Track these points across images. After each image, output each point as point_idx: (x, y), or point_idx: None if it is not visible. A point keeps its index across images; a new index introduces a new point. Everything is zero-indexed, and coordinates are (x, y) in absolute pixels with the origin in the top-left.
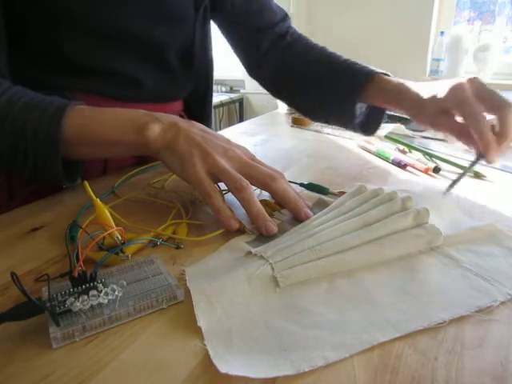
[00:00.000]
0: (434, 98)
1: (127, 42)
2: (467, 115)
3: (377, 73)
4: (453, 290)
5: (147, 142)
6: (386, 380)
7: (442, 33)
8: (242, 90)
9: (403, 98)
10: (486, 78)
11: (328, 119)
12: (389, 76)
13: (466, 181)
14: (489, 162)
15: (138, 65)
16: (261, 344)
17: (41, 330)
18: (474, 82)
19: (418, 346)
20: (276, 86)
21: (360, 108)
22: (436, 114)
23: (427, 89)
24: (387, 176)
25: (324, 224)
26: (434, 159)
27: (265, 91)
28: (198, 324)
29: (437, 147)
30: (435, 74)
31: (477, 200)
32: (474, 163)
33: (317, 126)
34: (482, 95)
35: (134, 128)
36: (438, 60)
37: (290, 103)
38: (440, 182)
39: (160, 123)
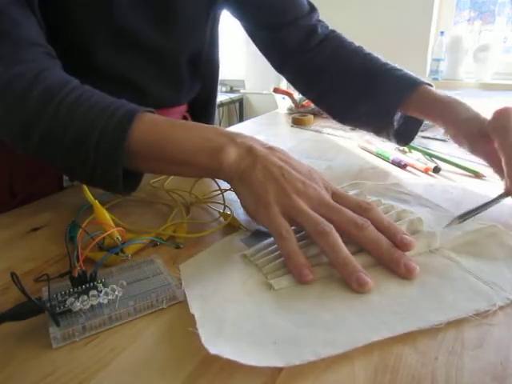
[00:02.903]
0: (474, 119)
1: (140, 49)
2: (502, 145)
3: (420, 83)
4: (451, 292)
5: (220, 168)
6: (386, 380)
7: (442, 33)
8: (242, 90)
9: (443, 114)
10: (486, 78)
11: (360, 125)
12: (431, 86)
13: (466, 181)
14: None
15: (148, 72)
16: (252, 335)
17: (41, 330)
18: None
19: (418, 346)
20: (304, 85)
21: (396, 116)
22: (474, 137)
23: (471, 108)
24: (387, 176)
25: None
26: (434, 159)
27: (265, 91)
28: (191, 311)
29: (437, 147)
30: (435, 74)
31: (477, 201)
32: (497, 199)
33: (317, 126)
34: None
35: (208, 149)
36: (438, 60)
37: (317, 103)
38: (440, 183)
39: (237, 147)
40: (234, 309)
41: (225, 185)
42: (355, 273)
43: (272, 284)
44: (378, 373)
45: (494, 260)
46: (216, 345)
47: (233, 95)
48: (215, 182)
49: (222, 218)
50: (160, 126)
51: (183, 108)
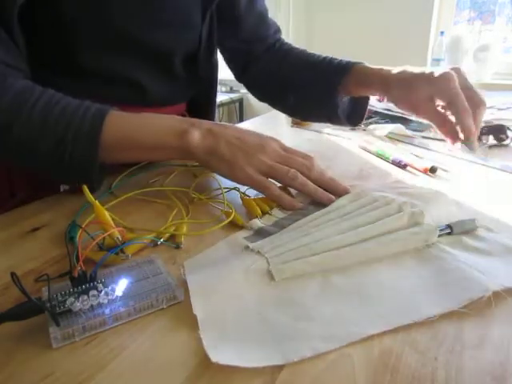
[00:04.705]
0: (420, 84)
1: (134, 48)
2: (454, 104)
3: (354, 64)
4: (446, 283)
5: (189, 147)
6: (386, 380)
7: (442, 33)
8: (242, 90)
9: (386, 83)
10: (486, 78)
11: (309, 116)
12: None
13: (466, 182)
14: (473, 149)
15: (144, 71)
16: (253, 335)
17: (41, 329)
18: (459, 73)
19: (418, 346)
20: (258, 91)
21: (342, 100)
22: (420, 101)
23: (412, 74)
24: (387, 176)
25: (321, 225)
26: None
27: None
28: (194, 312)
29: (437, 147)
30: None
31: (477, 201)
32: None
33: (317, 126)
34: (466, 88)
35: (175, 133)
36: (438, 60)
37: (273, 106)
38: (438, 184)
39: (197, 129)
40: (234, 305)
41: (225, 184)
42: (323, 194)
43: (273, 274)
44: (378, 373)
45: (488, 254)
46: (218, 349)
47: (233, 95)
48: (216, 180)
49: (222, 217)
50: (128, 118)
51: (182, 107)
